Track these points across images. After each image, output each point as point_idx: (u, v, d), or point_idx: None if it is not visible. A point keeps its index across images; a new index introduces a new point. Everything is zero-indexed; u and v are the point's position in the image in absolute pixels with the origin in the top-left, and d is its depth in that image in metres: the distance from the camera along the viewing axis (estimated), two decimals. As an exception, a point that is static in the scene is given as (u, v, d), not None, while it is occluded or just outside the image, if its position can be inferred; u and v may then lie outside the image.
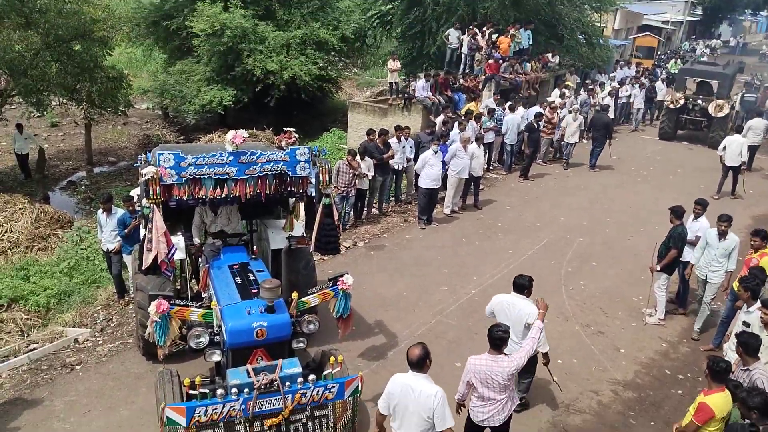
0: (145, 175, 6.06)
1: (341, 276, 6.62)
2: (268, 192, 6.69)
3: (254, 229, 8.63)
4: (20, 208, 13.24)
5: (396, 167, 13.52)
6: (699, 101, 20.83)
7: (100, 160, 20.35)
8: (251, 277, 6.86)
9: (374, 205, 13.77)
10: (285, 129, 6.91)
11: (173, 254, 6.43)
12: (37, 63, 15.75)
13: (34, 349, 8.14)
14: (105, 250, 9.61)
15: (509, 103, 17.76)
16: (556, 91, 20.51)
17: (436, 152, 12.59)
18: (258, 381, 5.66)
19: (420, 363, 5.24)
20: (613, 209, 14.57)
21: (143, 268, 6.47)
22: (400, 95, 19.20)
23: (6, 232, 12.47)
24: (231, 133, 6.32)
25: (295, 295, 6.34)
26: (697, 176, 17.37)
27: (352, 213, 12.82)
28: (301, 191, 7.11)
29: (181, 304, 6.16)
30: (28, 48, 15.33)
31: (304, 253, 7.90)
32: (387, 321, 9.09)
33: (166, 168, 6.15)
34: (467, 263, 11.35)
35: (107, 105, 18.20)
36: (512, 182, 16.50)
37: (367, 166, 12.19)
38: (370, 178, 12.51)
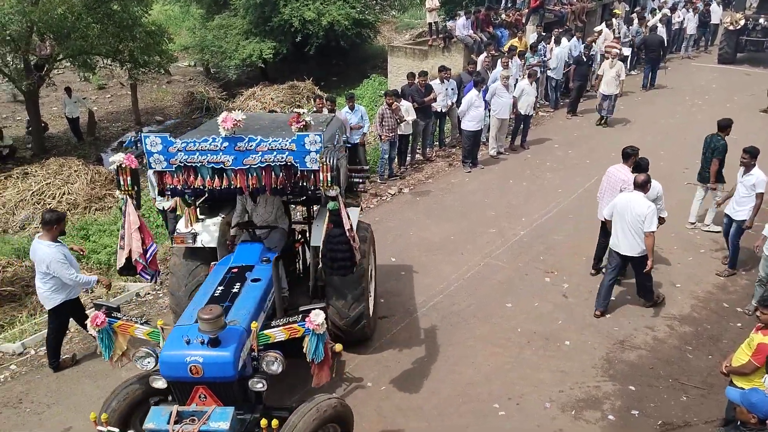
0: (113, 163, 5.15)
1: (311, 311, 4.96)
2: (275, 186, 5.38)
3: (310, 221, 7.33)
4: (75, 171, 13.67)
5: (438, 110, 13.29)
6: (761, 20, 19.63)
7: (148, 120, 20.72)
8: (235, 288, 5.58)
9: (418, 150, 13.64)
10: (294, 110, 6.17)
11: (152, 253, 5.38)
12: (78, 25, 15.96)
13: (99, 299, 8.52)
14: (160, 209, 9.86)
15: (555, 34, 17.07)
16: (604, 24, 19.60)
17: (479, 93, 12.30)
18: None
19: (643, 185, 7.33)
20: (666, 142, 14.03)
21: (117, 268, 5.48)
22: (440, 35, 18.69)
23: (64, 194, 12.94)
24: (222, 115, 5.17)
25: (254, 325, 4.92)
26: (753, 103, 16.50)
27: (396, 159, 12.73)
28: (313, 187, 5.50)
29: (124, 318, 5.15)
30: (70, 10, 15.51)
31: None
32: (435, 265, 9.12)
33: (154, 153, 5.21)
34: (515, 204, 11.21)
35: (150, 63, 18.38)
36: (560, 119, 16.04)
37: (406, 109, 12.02)
38: (410, 121, 12.33)
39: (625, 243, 7.46)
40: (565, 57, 16.25)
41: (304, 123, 5.16)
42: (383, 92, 13.51)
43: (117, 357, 5.17)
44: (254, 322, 5.10)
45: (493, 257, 9.33)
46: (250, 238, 6.49)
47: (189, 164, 5.24)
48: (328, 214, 5.23)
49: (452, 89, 13.44)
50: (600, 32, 18.48)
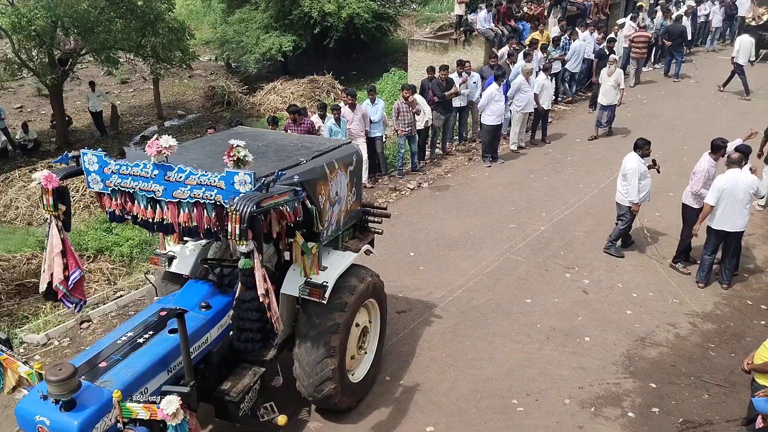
0: (35, 180, 4.70)
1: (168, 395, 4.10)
2: (207, 226, 4.53)
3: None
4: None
5: (458, 104, 13.22)
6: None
7: (170, 114, 20.89)
8: (142, 338, 4.80)
9: (437, 144, 13.59)
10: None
11: (74, 280, 4.81)
12: (102, 20, 16.14)
13: (121, 296, 8.64)
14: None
15: (577, 27, 16.89)
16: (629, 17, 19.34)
17: (499, 87, 12.22)
18: None
19: (739, 161, 7.72)
20: (690, 137, 13.81)
21: (40, 291, 5.00)
22: (460, 28, 18.57)
23: (87, 187, 13.11)
24: (152, 139, 4.44)
25: (117, 395, 4.06)
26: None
27: (417, 154, 12.69)
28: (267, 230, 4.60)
29: (9, 353, 4.52)
30: (94, 5, 15.69)
31: (317, 311, 5.42)
32: (454, 260, 9.09)
33: (92, 172, 4.69)
34: (535, 199, 11.12)
35: (172, 58, 18.53)
36: (582, 113, 15.87)
37: (419, 102, 11.96)
38: (428, 117, 12.26)
39: (732, 220, 7.84)
40: (583, 51, 16.06)
41: (235, 157, 4.24)
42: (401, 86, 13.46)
43: (9, 389, 4.56)
44: (144, 385, 4.49)
45: (513, 252, 9.27)
46: (213, 276, 5.60)
47: (123, 189, 4.65)
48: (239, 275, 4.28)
49: (474, 82, 13.34)
50: (623, 25, 18.25)
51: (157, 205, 4.58)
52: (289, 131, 10.52)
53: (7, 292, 8.98)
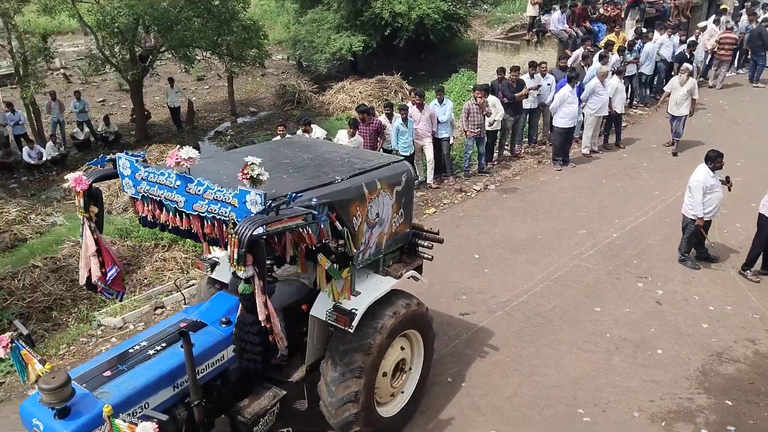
0: (68, 181, 4.69)
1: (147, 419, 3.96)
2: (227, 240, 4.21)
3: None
4: (175, 158, 14.36)
5: (529, 106, 12.99)
6: None
7: (243, 111, 21.47)
8: (153, 350, 4.73)
9: (506, 146, 13.39)
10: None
11: (112, 276, 4.86)
12: (181, 18, 16.76)
13: (193, 284, 8.93)
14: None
15: (656, 29, 16.30)
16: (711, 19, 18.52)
17: (573, 89, 11.93)
18: None
19: None
20: (777, 145, 13.09)
21: (80, 283, 5.05)
22: (533, 30, 18.24)
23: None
24: (173, 150, 4.31)
25: (107, 409, 3.80)
26: None
27: (485, 156, 12.55)
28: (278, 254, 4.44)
29: (28, 350, 4.50)
30: (173, 4, 16.32)
31: (345, 338, 5.11)
32: (520, 264, 8.93)
33: (126, 177, 4.64)
34: (608, 205, 10.78)
35: (246, 56, 19.04)
36: (659, 118, 15.28)
37: (493, 104, 11.81)
38: (498, 118, 12.09)
39: None
40: (655, 54, 15.50)
41: (249, 176, 3.99)
42: (472, 86, 13.34)
43: (32, 381, 4.55)
44: (145, 400, 4.41)
45: (583, 259, 9.02)
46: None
47: (151, 196, 4.54)
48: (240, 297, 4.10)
49: (549, 84, 13.07)
50: (704, 28, 17.48)
51: (183, 215, 4.44)
52: (361, 133, 10.61)
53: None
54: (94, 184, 4.63)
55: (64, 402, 3.99)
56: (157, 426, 3.67)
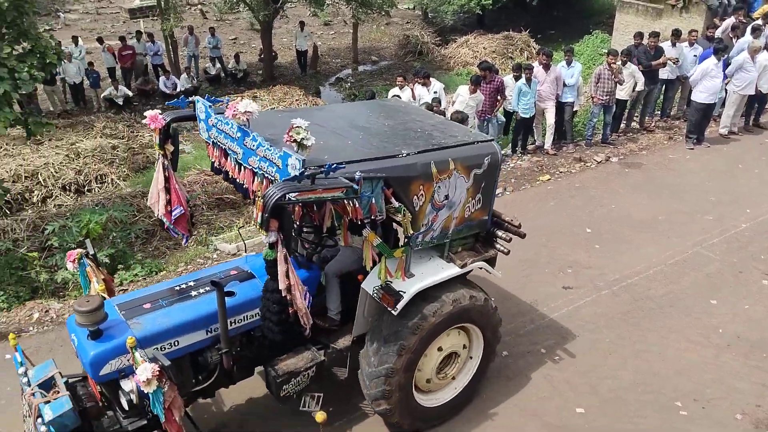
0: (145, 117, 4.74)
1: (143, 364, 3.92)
2: None
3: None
4: (296, 100, 14.80)
5: (666, 76, 12.09)
6: None
7: (364, 59, 21.60)
8: (195, 292, 4.81)
9: (635, 118, 12.61)
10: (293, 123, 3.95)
11: (176, 216, 4.92)
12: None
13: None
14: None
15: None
16: None
17: (718, 63, 10.95)
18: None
19: None
20: None
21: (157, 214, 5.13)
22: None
23: (284, 119, 14.09)
24: (232, 102, 4.22)
25: (131, 341, 3.95)
26: None
27: (610, 125, 11.90)
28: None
29: (94, 265, 4.94)
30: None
31: (389, 319, 4.86)
32: (636, 243, 8.49)
33: (201, 120, 4.64)
34: (741, 192, 9.95)
35: (372, 3, 19.01)
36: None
37: (630, 72, 11.10)
38: (639, 88, 11.36)
39: None
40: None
41: (293, 140, 3.80)
42: (605, 50, 12.59)
43: (100, 290, 4.96)
44: (175, 338, 4.50)
45: (705, 247, 8.43)
46: (302, 248, 5.43)
47: (218, 143, 4.54)
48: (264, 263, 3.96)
49: (695, 56, 12.06)
50: None
51: (241, 167, 4.37)
52: (478, 89, 10.36)
53: (208, 204, 10.05)
54: (172, 124, 4.71)
55: (96, 325, 4.24)
56: (158, 369, 3.83)
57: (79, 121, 14.55)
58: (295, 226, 4.29)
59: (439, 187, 4.67)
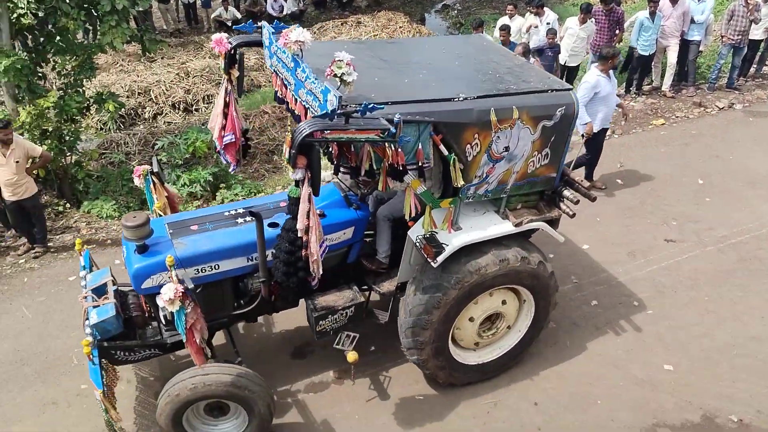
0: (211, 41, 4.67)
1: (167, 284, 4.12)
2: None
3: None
4: (400, 27, 14.47)
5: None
6: None
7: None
8: (241, 220, 4.87)
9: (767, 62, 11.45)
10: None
11: (227, 142, 4.83)
12: None
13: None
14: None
15: None
16: None
17: None
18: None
19: None
20: None
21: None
22: None
23: (387, 47, 13.89)
24: (285, 30, 3.96)
25: (170, 260, 4.21)
26: None
27: (739, 69, 10.87)
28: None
29: (158, 182, 5.26)
30: None
31: (430, 271, 4.68)
32: (752, 200, 7.85)
33: (266, 47, 4.45)
34: None
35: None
36: None
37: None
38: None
39: None
40: None
41: (334, 74, 3.62)
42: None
43: (155, 211, 5.32)
44: (216, 262, 4.63)
45: (832, 208, 7.70)
46: (357, 190, 5.29)
47: (278, 72, 4.38)
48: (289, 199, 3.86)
49: None
50: None
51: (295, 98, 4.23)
52: (597, 22, 9.69)
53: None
54: (238, 49, 4.63)
55: (141, 240, 4.45)
56: (182, 291, 3.98)
57: (189, 41, 15.03)
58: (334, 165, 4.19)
59: (498, 137, 4.33)
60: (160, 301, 4.04)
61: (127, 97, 11.19)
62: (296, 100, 4.10)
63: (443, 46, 5.34)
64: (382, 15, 15.18)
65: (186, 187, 8.10)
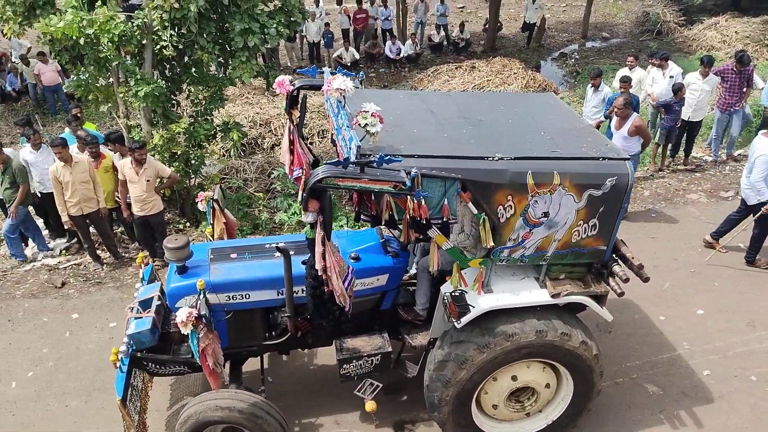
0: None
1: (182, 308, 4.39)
2: None
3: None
4: (515, 73, 14.48)
5: None
6: None
7: (594, 35, 20.38)
8: (276, 255, 4.84)
9: None
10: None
11: (296, 175, 4.84)
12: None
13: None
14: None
15: None
16: None
17: None
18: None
19: None
20: None
21: None
22: None
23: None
24: (330, 77, 4.06)
25: (200, 284, 4.56)
26: None
27: None
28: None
29: (218, 208, 5.74)
30: None
31: (455, 331, 4.59)
32: None
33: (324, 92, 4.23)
34: None
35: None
36: None
37: None
38: None
39: None
40: None
41: (357, 123, 3.76)
42: None
43: (218, 234, 5.74)
44: (246, 291, 4.84)
45: None
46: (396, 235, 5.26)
47: (331, 115, 4.58)
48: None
49: None
50: None
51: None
52: (726, 80, 9.26)
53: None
54: (301, 91, 4.77)
55: (180, 262, 4.81)
56: (195, 315, 4.18)
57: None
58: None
59: (536, 201, 4.16)
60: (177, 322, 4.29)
61: (250, 127, 11.87)
62: (336, 144, 4.26)
63: (505, 103, 5.22)
64: (497, 61, 15.27)
65: (296, 215, 8.44)
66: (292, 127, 4.84)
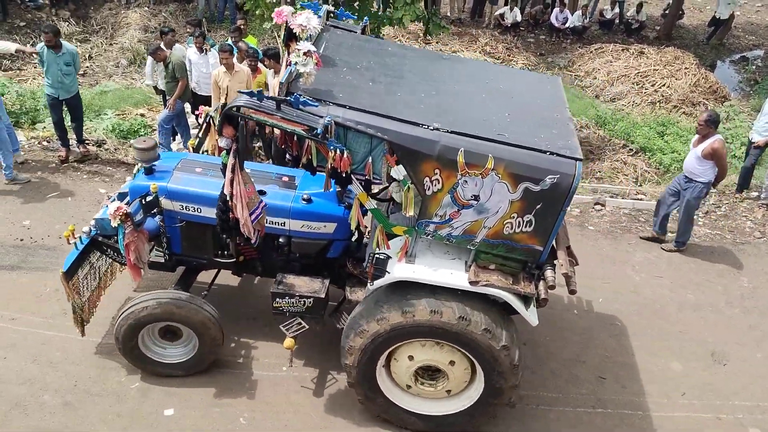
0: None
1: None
2: None
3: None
4: (686, 68, 13.34)
5: None
6: None
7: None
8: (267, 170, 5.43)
9: None
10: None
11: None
12: None
13: (641, 200, 8.64)
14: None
15: None
16: None
17: None
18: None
19: None
20: None
21: None
22: None
23: (663, 86, 12.91)
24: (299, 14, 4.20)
25: (153, 186, 4.93)
26: None
27: None
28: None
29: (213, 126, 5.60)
30: None
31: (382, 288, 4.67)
32: None
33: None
34: None
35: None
36: None
37: None
38: None
39: None
40: None
41: (289, 61, 3.92)
42: None
43: (210, 150, 5.71)
44: (197, 205, 5.01)
45: None
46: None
47: None
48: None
49: None
50: None
51: None
52: None
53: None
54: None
55: (146, 163, 5.06)
56: (123, 211, 4.46)
57: (466, 32, 15.42)
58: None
59: (465, 181, 4.02)
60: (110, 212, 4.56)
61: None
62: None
63: (497, 77, 5.01)
64: (669, 51, 14.13)
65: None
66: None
